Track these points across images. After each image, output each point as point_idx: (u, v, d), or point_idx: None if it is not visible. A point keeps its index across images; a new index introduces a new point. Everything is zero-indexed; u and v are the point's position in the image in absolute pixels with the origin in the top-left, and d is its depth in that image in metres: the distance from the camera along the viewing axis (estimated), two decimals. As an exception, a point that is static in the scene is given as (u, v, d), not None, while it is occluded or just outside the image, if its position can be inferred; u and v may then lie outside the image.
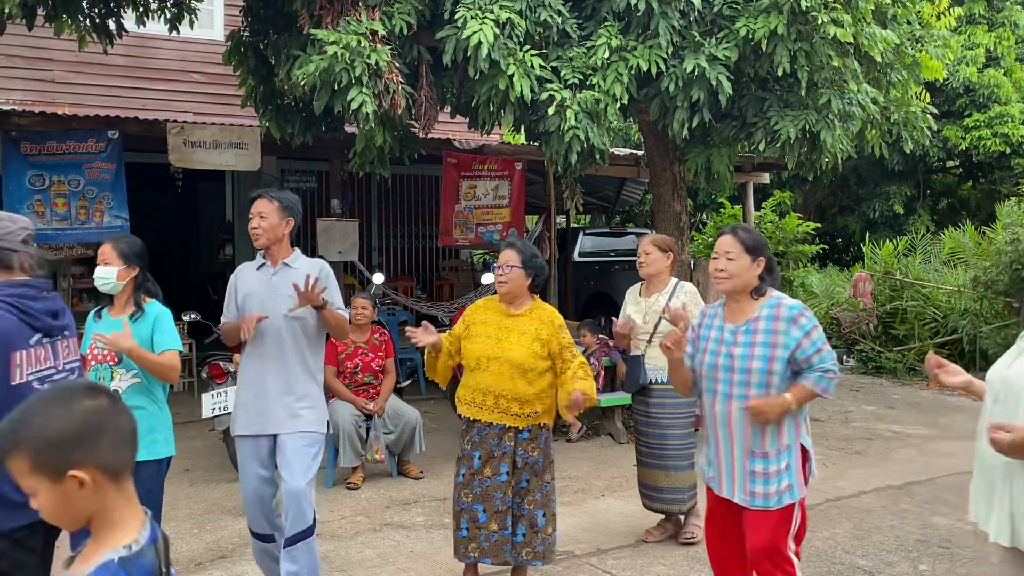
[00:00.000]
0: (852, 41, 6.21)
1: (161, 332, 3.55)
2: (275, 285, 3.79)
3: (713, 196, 15.53)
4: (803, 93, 6.42)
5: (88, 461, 1.42)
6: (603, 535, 5.10)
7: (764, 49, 6.11)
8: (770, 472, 3.09)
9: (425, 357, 4.14)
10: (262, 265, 3.87)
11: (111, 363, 3.56)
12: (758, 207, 14.70)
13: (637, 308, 4.96)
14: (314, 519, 3.76)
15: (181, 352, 3.62)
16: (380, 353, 6.22)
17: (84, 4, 6.67)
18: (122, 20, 7.01)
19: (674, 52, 6.26)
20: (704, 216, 16.97)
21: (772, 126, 6.61)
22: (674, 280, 4.89)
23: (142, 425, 3.52)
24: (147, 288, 3.64)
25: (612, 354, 7.92)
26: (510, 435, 3.86)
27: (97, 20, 6.83)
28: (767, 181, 12.70)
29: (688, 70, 6.11)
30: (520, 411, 3.84)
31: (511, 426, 3.86)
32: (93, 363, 3.57)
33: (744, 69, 6.53)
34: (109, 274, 3.54)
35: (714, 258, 3.23)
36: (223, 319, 3.94)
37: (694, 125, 6.46)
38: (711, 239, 14.05)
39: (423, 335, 3.92)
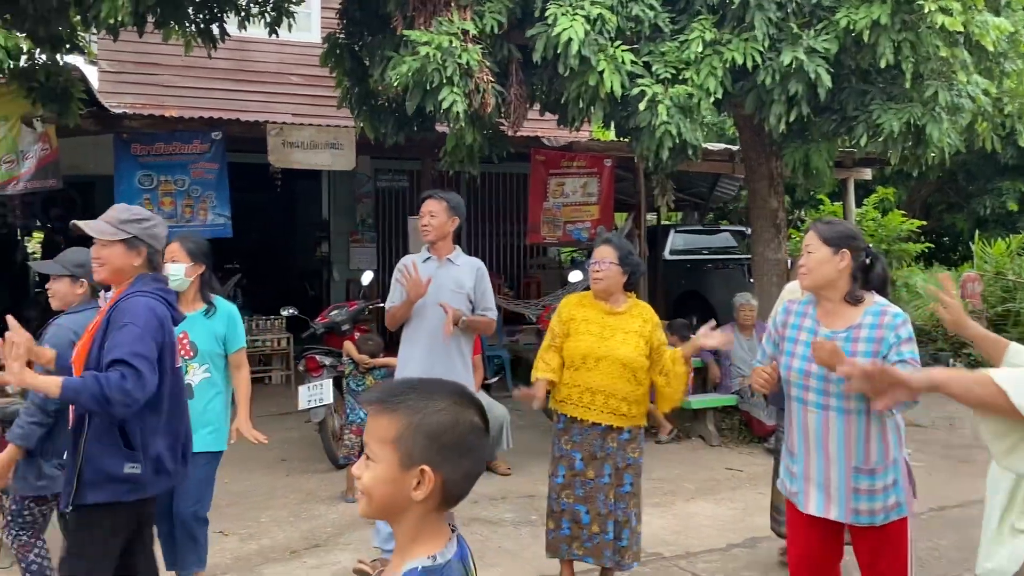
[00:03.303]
0: (962, 30, 5.89)
1: (236, 329, 3.86)
2: (439, 278, 4.16)
3: (812, 193, 15.01)
4: (908, 85, 6.15)
5: (441, 469, 1.39)
6: (693, 538, 5.02)
7: (866, 40, 5.88)
8: (876, 489, 2.88)
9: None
10: (428, 259, 4.26)
11: (187, 357, 3.74)
12: (859, 204, 14.16)
13: None
14: None
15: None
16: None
17: (190, 10, 6.94)
18: (225, 25, 7.26)
19: (771, 45, 6.09)
20: (802, 213, 16.43)
21: (874, 120, 6.35)
22: None
23: (208, 417, 3.76)
24: (211, 285, 3.84)
25: (704, 354, 7.78)
26: (613, 436, 3.81)
27: (202, 25, 7.10)
28: (869, 177, 12.20)
29: (785, 63, 5.93)
30: (628, 411, 3.79)
31: (615, 427, 3.80)
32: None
33: (844, 61, 6.30)
34: (178, 271, 3.72)
35: (801, 255, 3.06)
36: (388, 304, 4.30)
37: (792, 119, 6.26)
38: (809, 237, 13.63)
39: (532, 400, 3.85)
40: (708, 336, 3.74)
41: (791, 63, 5.92)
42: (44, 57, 6.52)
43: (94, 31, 6.92)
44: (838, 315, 2.97)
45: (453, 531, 1.48)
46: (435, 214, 4.20)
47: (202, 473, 3.75)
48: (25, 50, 6.28)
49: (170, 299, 3.05)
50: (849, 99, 6.56)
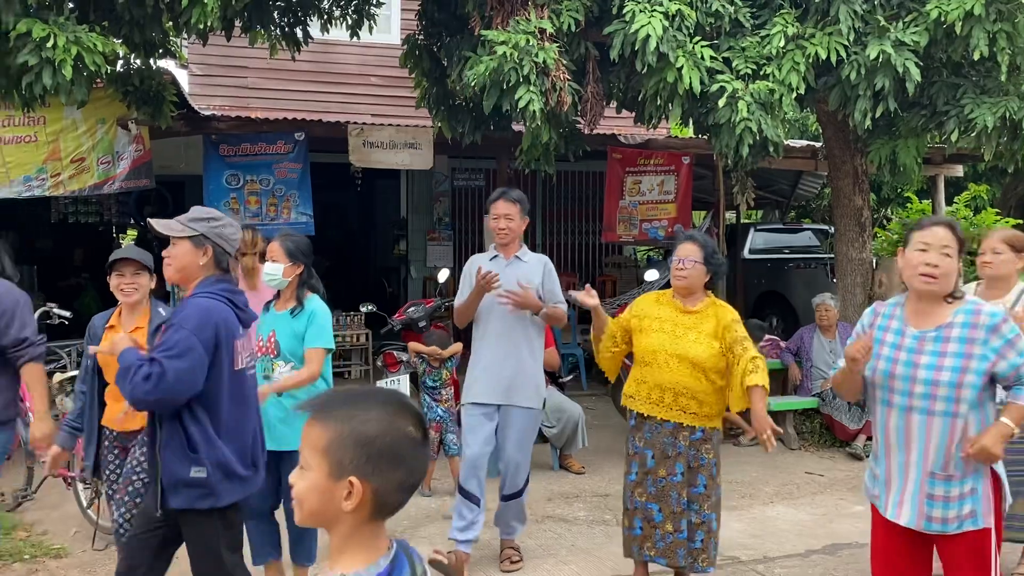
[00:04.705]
0: (1062, 19, 5.63)
1: (313, 327, 3.78)
2: (509, 276, 4.26)
3: (899, 190, 14.51)
4: (1003, 78, 5.90)
5: (372, 479, 1.36)
6: (771, 542, 4.93)
7: (959, 32, 5.66)
8: (951, 496, 2.76)
9: (592, 337, 4.13)
10: (495, 257, 4.38)
11: (272, 355, 3.81)
12: (950, 202, 13.63)
13: None
14: (525, 483, 4.39)
15: (331, 350, 3.82)
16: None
17: (275, 14, 7.15)
18: (308, 28, 7.45)
19: (856, 38, 5.92)
20: (889, 211, 15.91)
21: (967, 114, 6.11)
22: (1022, 284, 4.24)
23: (296, 415, 3.79)
24: (310, 284, 3.87)
25: (784, 356, 7.62)
26: (684, 434, 3.77)
27: (286, 29, 7.30)
28: (960, 174, 11.73)
29: (872, 57, 5.76)
30: (698, 410, 3.75)
31: (687, 425, 3.77)
32: (259, 355, 3.83)
33: (935, 54, 6.08)
34: (276, 270, 3.79)
35: (920, 250, 2.80)
36: (456, 302, 4.42)
37: (878, 115, 6.08)
38: (896, 236, 13.19)
39: (585, 297, 3.95)
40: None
41: (878, 57, 5.75)
42: (138, 62, 6.79)
43: (185, 36, 7.20)
44: (929, 314, 2.85)
45: (391, 547, 1.43)
46: (511, 217, 4.29)
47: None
48: (121, 55, 6.55)
49: (236, 300, 3.06)
50: (939, 93, 6.33)
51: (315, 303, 3.85)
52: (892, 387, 2.85)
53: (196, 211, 3.11)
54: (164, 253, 3.05)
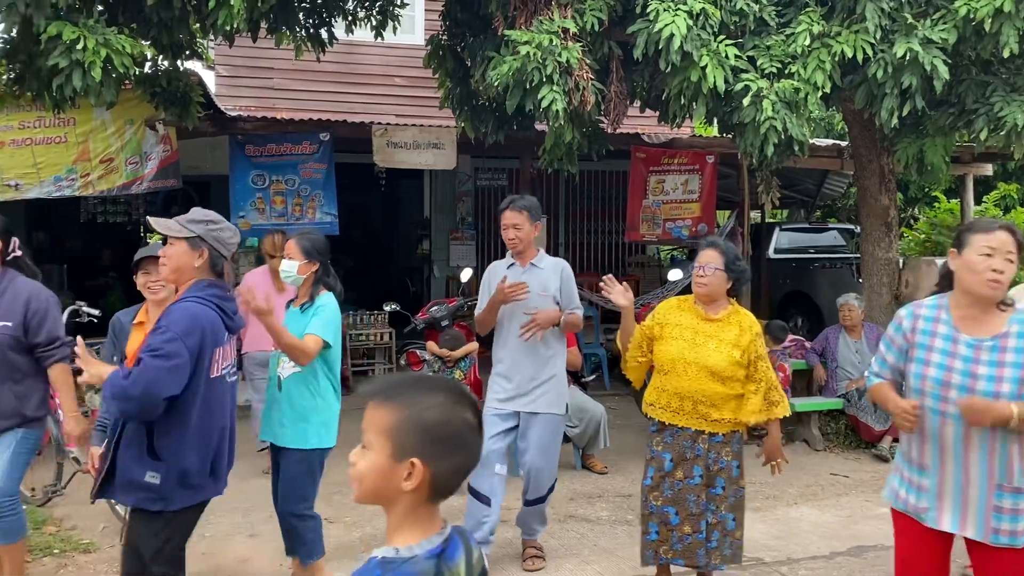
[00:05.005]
0: (1095, 15, 5.54)
1: (317, 318, 3.77)
2: (526, 283, 4.23)
3: (927, 189, 14.36)
4: (1034, 75, 5.82)
5: (431, 462, 1.42)
6: (795, 544, 4.89)
7: (988, 29, 5.58)
8: (1021, 508, 2.70)
9: (618, 341, 4.08)
10: (512, 264, 4.36)
11: (279, 352, 3.83)
12: (978, 201, 13.47)
13: None
14: (550, 489, 4.44)
15: (329, 345, 3.78)
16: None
17: (301, 16, 7.21)
18: (333, 29, 7.50)
19: (883, 36, 5.86)
20: (916, 211, 15.73)
21: (996, 112, 6.03)
22: None
23: (294, 413, 3.78)
24: (325, 282, 3.90)
25: (809, 356, 7.57)
26: (704, 438, 3.75)
27: (311, 30, 7.36)
28: (990, 173, 11.57)
29: (899, 55, 5.70)
30: (719, 416, 3.72)
31: (708, 431, 3.74)
32: (272, 349, 3.88)
33: (964, 51, 6.00)
34: (292, 268, 3.83)
35: (986, 255, 2.70)
36: (476, 311, 4.45)
37: (905, 113, 6.01)
38: (923, 236, 13.04)
39: (618, 296, 3.89)
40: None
41: (905, 55, 5.69)
42: (166, 63, 6.88)
43: (212, 37, 7.27)
44: (982, 322, 2.74)
45: (445, 527, 1.49)
46: (519, 226, 4.26)
47: (293, 470, 3.81)
48: (149, 57, 6.63)
49: (226, 307, 3.05)
50: (968, 91, 6.25)
51: (326, 299, 3.86)
52: (946, 396, 2.75)
53: (195, 213, 3.11)
54: (160, 252, 3.06)
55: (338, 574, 4.33)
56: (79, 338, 2.98)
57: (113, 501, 4.93)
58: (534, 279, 4.29)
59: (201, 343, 2.89)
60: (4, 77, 6.39)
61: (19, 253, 3.67)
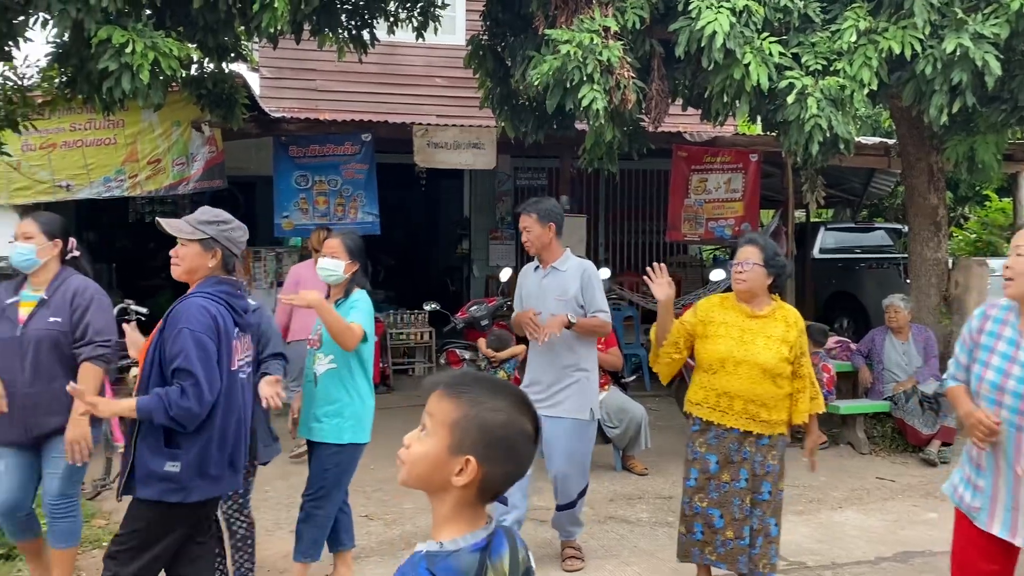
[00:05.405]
0: None
1: (356, 311, 3.84)
2: (545, 287, 4.29)
3: (977, 188, 14.02)
4: (1090, 70, 5.65)
5: (486, 464, 1.44)
6: (839, 548, 4.81)
7: (1042, 22, 5.44)
8: None
9: (652, 335, 4.01)
10: (537, 267, 4.39)
11: (315, 348, 3.89)
12: (1031, 200, 13.11)
13: None
14: (582, 491, 4.40)
15: (366, 340, 3.84)
16: (599, 345, 6.23)
17: (343, 18, 7.28)
18: (375, 30, 7.56)
19: (932, 32, 5.74)
20: (966, 210, 15.37)
21: (1050, 108, 5.88)
22: None
23: (329, 407, 3.82)
24: (359, 281, 3.97)
25: (854, 358, 7.44)
26: (751, 440, 3.70)
27: (353, 31, 7.43)
28: (1044, 171, 11.28)
29: (948, 50, 5.57)
30: (768, 417, 3.68)
31: (756, 432, 3.69)
32: (309, 347, 3.96)
33: (1016, 46, 5.84)
34: (337, 267, 3.88)
35: None
36: (514, 314, 4.50)
37: (955, 110, 5.88)
38: (974, 236, 12.74)
39: (659, 288, 3.81)
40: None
41: (955, 50, 5.56)
42: (211, 66, 6.99)
43: (256, 40, 7.38)
44: None
45: (490, 523, 1.50)
46: (529, 228, 4.26)
47: (324, 464, 3.85)
48: (195, 60, 6.75)
49: (234, 303, 3.06)
50: (1021, 87, 6.09)
51: (360, 295, 3.93)
52: (1001, 401, 2.70)
53: (205, 212, 3.11)
54: (172, 252, 3.07)
55: (380, 570, 4.37)
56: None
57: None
58: (554, 282, 4.27)
59: (217, 334, 2.93)
60: (56, 80, 6.54)
61: (77, 254, 3.74)
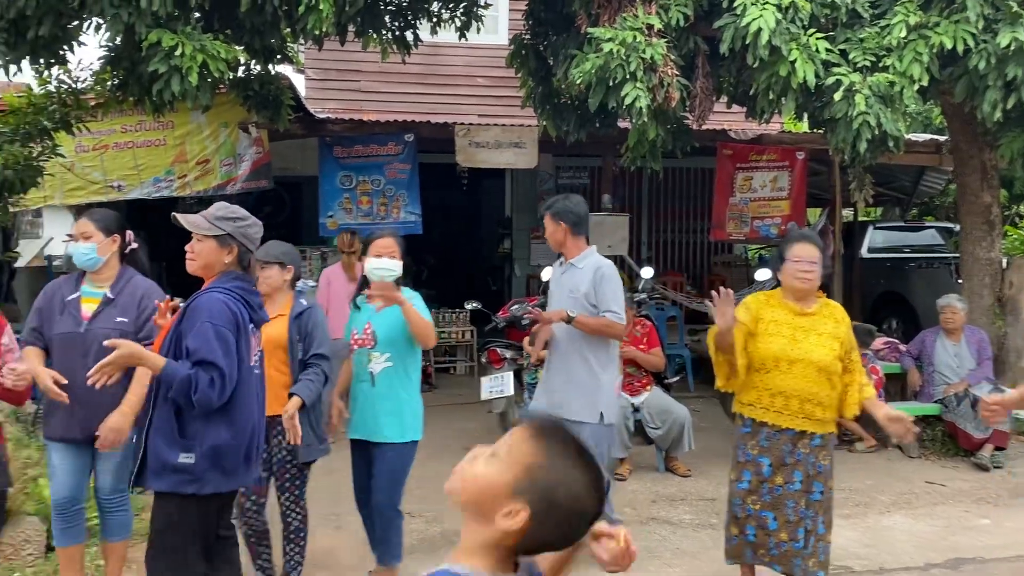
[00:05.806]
0: None
1: (419, 308, 3.90)
2: (563, 283, 4.30)
3: (1032, 186, 13.67)
4: None
5: (535, 521, 1.35)
6: (886, 553, 4.72)
7: (1102, 14, 5.28)
8: None
9: (714, 343, 3.78)
10: (561, 263, 4.43)
11: (368, 347, 3.90)
12: (1090, 198, 12.72)
13: None
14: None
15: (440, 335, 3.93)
16: (642, 346, 6.20)
17: (387, 19, 7.34)
18: (418, 31, 7.61)
19: (985, 26, 5.60)
20: (1021, 208, 14.98)
21: (1110, 103, 5.70)
22: None
23: (391, 406, 3.84)
24: (400, 280, 4.01)
25: (903, 360, 7.29)
26: (804, 441, 3.64)
27: (397, 32, 7.49)
28: (1103, 168, 10.93)
29: (1003, 45, 5.44)
30: (823, 416, 3.63)
31: (809, 432, 3.63)
32: (355, 347, 3.96)
33: (1075, 39, 5.68)
34: (397, 267, 3.89)
35: None
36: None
37: (1010, 106, 5.73)
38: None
39: (723, 317, 3.55)
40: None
41: (1009, 45, 5.43)
42: (258, 67, 7.11)
43: (301, 42, 7.48)
44: None
45: (518, 571, 1.41)
46: (546, 227, 4.37)
47: (389, 464, 3.88)
48: (242, 62, 6.87)
49: (251, 300, 3.08)
50: (1079, 82, 5.91)
51: (412, 292, 4.00)
52: None
53: (221, 208, 3.12)
54: (188, 247, 3.09)
55: (422, 568, 4.39)
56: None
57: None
58: (569, 278, 4.28)
59: (237, 328, 2.96)
60: (108, 83, 6.70)
61: (135, 246, 3.81)
